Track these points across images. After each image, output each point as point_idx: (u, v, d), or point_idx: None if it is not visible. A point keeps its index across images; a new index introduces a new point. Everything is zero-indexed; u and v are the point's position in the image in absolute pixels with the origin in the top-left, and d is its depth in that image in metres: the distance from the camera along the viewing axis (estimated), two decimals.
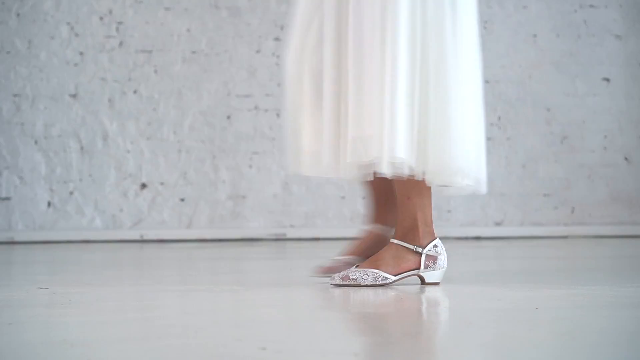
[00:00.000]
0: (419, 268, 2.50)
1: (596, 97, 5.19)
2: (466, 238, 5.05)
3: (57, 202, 5.06)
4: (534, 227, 5.13)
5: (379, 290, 2.43)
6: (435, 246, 2.52)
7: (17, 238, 4.98)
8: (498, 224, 5.16)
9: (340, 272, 2.49)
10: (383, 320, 2.01)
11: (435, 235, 2.55)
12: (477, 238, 5.06)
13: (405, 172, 2.44)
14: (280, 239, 4.95)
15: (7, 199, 5.05)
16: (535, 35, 5.18)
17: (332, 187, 5.09)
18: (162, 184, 5.08)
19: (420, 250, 2.50)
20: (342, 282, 2.46)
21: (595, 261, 3.63)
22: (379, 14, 2.40)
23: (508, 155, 5.17)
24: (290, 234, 5.01)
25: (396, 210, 2.55)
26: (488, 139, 5.17)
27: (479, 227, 5.14)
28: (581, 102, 5.19)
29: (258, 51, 5.13)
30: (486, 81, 5.17)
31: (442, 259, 2.53)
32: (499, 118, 5.18)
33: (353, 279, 2.45)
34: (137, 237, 5.03)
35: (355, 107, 2.41)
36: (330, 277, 2.50)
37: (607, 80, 5.19)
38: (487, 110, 5.20)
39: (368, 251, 2.60)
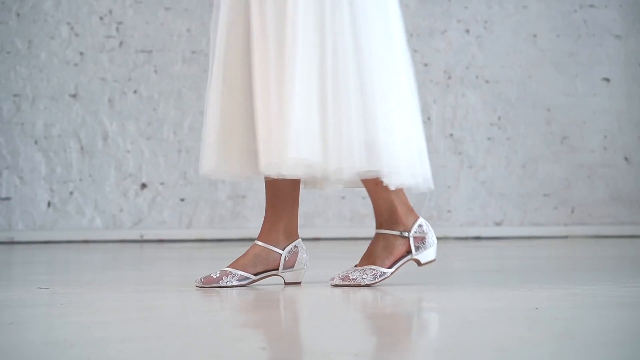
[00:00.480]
0: (410, 252, 2.50)
1: (596, 97, 5.19)
2: (466, 238, 5.05)
3: (57, 202, 5.06)
4: (534, 227, 5.13)
5: (379, 290, 2.43)
6: (420, 226, 2.52)
7: (17, 238, 4.98)
8: (498, 224, 5.16)
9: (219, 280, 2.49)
10: (383, 320, 2.01)
11: (417, 214, 2.54)
12: (477, 238, 5.06)
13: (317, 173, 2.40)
14: None
15: (7, 199, 5.05)
16: (535, 35, 5.19)
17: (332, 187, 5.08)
18: (162, 184, 5.08)
19: (406, 234, 2.50)
20: (342, 283, 2.46)
21: (595, 261, 3.63)
22: (281, 14, 2.37)
23: (508, 155, 5.17)
24: None
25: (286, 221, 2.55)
26: (488, 138, 5.17)
27: (479, 227, 5.14)
28: (581, 102, 5.19)
29: None
30: (486, 81, 5.18)
31: (430, 236, 2.53)
32: (499, 118, 5.18)
33: (353, 279, 2.46)
34: (137, 237, 5.03)
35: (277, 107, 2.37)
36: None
37: (607, 80, 5.20)
38: (488, 110, 5.23)
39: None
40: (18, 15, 5.07)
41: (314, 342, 1.73)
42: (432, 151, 5.16)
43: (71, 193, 5.07)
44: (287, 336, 1.79)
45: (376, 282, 2.46)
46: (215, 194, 5.09)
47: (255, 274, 2.53)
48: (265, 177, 2.50)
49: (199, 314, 2.05)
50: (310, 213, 5.10)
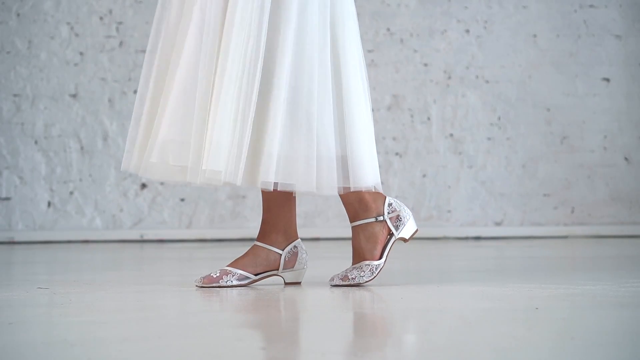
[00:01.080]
0: (392, 233, 2.51)
1: (596, 97, 5.19)
2: (466, 238, 5.05)
3: (57, 202, 5.06)
4: (534, 227, 5.13)
5: (378, 289, 2.43)
6: (389, 205, 2.52)
7: (17, 238, 4.98)
8: (498, 224, 5.16)
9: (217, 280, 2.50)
10: (383, 320, 2.01)
11: (383, 194, 2.53)
12: (477, 238, 5.06)
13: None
14: None
15: (7, 199, 5.05)
16: (535, 36, 5.19)
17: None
18: (162, 183, 5.08)
19: (381, 218, 2.50)
20: (342, 283, 2.47)
21: (595, 261, 3.63)
22: (217, 18, 2.38)
23: (508, 155, 5.17)
24: None
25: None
26: (488, 138, 5.17)
27: (479, 227, 5.14)
28: (581, 102, 5.19)
29: None
30: (486, 81, 5.18)
31: (404, 211, 2.53)
32: (499, 118, 5.18)
33: (352, 278, 2.47)
34: (137, 237, 5.03)
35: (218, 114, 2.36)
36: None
37: (607, 80, 5.20)
38: (487, 111, 5.23)
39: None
40: (18, 15, 5.07)
41: (314, 342, 1.73)
42: (432, 151, 5.16)
43: (71, 193, 5.07)
44: (287, 336, 1.79)
45: (374, 277, 2.47)
46: (215, 194, 5.09)
47: (256, 275, 2.53)
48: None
49: (199, 314, 2.05)
50: (310, 213, 5.10)
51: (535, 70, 5.18)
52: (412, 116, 5.16)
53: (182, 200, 5.10)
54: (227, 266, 2.53)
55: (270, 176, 2.36)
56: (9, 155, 5.05)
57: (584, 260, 3.70)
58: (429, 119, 5.16)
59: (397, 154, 5.15)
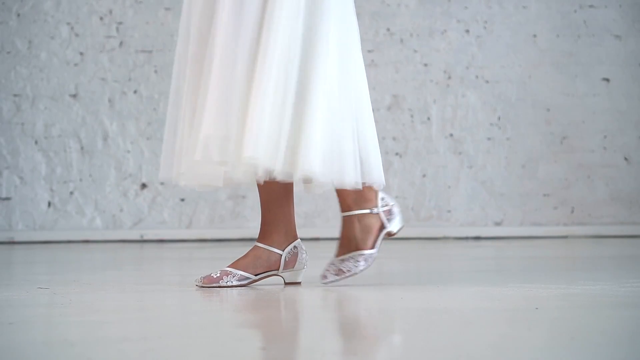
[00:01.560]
0: (384, 226, 2.50)
1: (596, 97, 5.19)
2: (466, 238, 5.05)
3: (57, 202, 5.07)
4: (534, 227, 5.13)
5: (378, 289, 2.43)
6: (382, 199, 2.51)
7: (18, 238, 4.98)
8: (498, 224, 5.16)
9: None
10: (382, 320, 2.01)
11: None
12: (477, 238, 5.06)
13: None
14: None
15: (8, 199, 5.05)
16: (535, 36, 5.19)
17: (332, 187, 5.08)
18: (162, 184, 5.08)
19: (376, 210, 2.49)
20: (337, 278, 2.47)
21: (595, 261, 3.63)
22: (256, 10, 2.36)
23: (508, 155, 5.17)
24: None
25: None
26: (488, 138, 5.17)
27: (479, 227, 5.14)
28: (581, 102, 5.19)
29: None
30: (486, 81, 5.18)
31: (394, 206, 2.52)
32: (499, 118, 5.18)
33: (347, 270, 2.46)
34: (137, 237, 5.03)
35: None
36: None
37: (607, 80, 5.20)
38: (487, 111, 5.23)
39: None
40: (18, 15, 5.07)
41: (314, 342, 1.73)
42: (432, 151, 5.16)
43: (71, 193, 5.07)
44: (287, 336, 1.79)
45: (368, 266, 2.47)
46: (215, 194, 5.09)
47: (256, 275, 2.53)
48: (258, 180, 2.48)
49: (199, 314, 2.05)
50: (310, 213, 5.10)
51: (535, 70, 5.18)
52: (412, 116, 5.16)
53: (182, 200, 5.10)
54: (228, 267, 2.53)
55: (314, 167, 2.33)
56: (9, 155, 5.05)
57: (583, 260, 3.70)
58: (429, 119, 5.16)
59: (397, 154, 5.16)
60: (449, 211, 5.16)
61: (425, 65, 5.17)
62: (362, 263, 2.46)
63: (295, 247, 2.57)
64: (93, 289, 2.55)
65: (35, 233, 5.01)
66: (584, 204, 5.17)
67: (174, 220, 5.09)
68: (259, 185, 2.53)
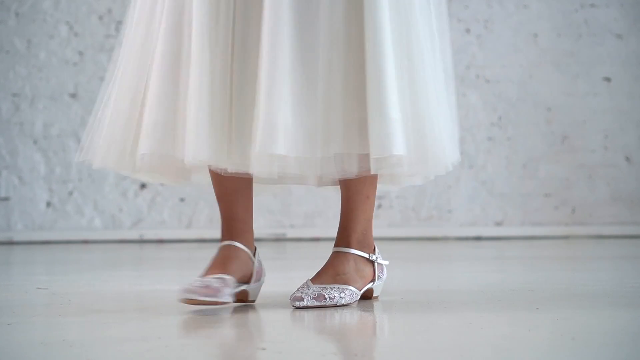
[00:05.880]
0: (374, 280, 2.21)
1: (597, 96, 5.19)
2: (466, 238, 5.05)
3: (56, 202, 5.06)
4: (535, 227, 5.13)
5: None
6: (379, 253, 2.24)
7: (17, 238, 4.97)
8: (498, 224, 5.16)
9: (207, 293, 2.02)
10: (383, 320, 2.00)
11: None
12: (477, 238, 5.05)
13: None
14: (280, 239, 4.95)
15: (7, 199, 5.05)
16: (536, 35, 5.18)
17: (332, 187, 5.08)
18: (161, 183, 5.07)
19: (373, 258, 2.21)
20: (315, 303, 2.10)
21: (595, 261, 3.62)
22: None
23: (508, 155, 5.17)
24: (290, 234, 5.00)
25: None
26: (489, 138, 5.17)
27: (479, 227, 5.14)
28: (582, 102, 5.18)
29: None
30: (487, 81, 5.17)
31: (385, 268, 2.24)
32: (500, 118, 5.18)
33: (329, 298, 2.10)
34: (136, 237, 5.02)
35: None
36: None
37: (608, 80, 5.19)
38: (488, 110, 5.22)
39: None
40: (17, 14, 5.07)
41: (314, 342, 1.73)
42: None
43: (70, 193, 5.06)
44: (287, 336, 1.78)
45: (351, 303, 2.16)
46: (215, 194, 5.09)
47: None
48: (214, 171, 2.14)
49: (199, 314, 2.05)
50: (310, 213, 5.10)
51: (536, 70, 5.18)
52: None
53: (182, 200, 5.09)
54: (221, 274, 2.10)
55: (400, 148, 1.99)
56: (8, 155, 5.05)
57: (584, 260, 3.70)
58: None
59: None
60: (449, 211, 5.15)
61: None
62: (347, 297, 2.13)
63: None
64: (92, 289, 2.54)
65: (34, 233, 5.01)
66: (585, 204, 5.16)
67: (173, 220, 5.09)
68: (221, 178, 2.18)
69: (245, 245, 2.16)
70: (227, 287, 2.04)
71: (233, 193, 2.21)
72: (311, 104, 2.01)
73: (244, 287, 2.14)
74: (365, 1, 2.02)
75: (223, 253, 2.13)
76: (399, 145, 1.99)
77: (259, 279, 2.19)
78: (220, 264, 2.10)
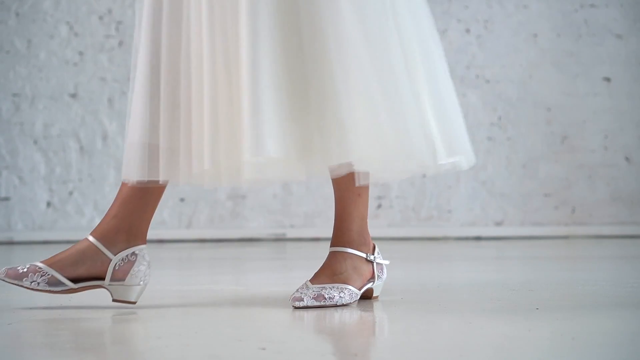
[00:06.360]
0: (373, 279, 2.19)
1: (597, 97, 5.19)
2: (466, 238, 5.05)
3: (56, 202, 5.06)
4: (534, 227, 5.13)
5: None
6: (379, 253, 2.21)
7: (17, 238, 4.97)
8: (498, 224, 5.16)
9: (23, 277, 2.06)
10: (383, 320, 2.00)
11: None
12: (477, 238, 5.05)
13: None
14: (280, 239, 4.95)
15: (7, 199, 5.05)
16: (535, 35, 5.18)
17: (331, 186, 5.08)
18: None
19: (371, 258, 2.18)
20: (315, 303, 2.09)
21: (595, 261, 3.62)
22: None
23: (508, 155, 5.17)
24: (290, 234, 5.00)
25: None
26: (489, 138, 5.17)
27: (479, 227, 5.14)
28: (582, 102, 5.18)
29: None
30: (486, 81, 5.17)
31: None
32: (499, 118, 5.17)
33: (329, 297, 2.09)
34: None
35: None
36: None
37: (608, 80, 5.19)
38: (488, 110, 5.22)
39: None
40: (17, 14, 5.07)
41: (314, 342, 1.73)
42: None
43: (70, 193, 5.06)
44: (287, 336, 1.78)
45: (351, 303, 2.14)
46: (215, 194, 5.09)
47: (74, 279, 2.09)
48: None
49: (199, 313, 2.05)
50: (310, 213, 5.10)
51: (535, 70, 5.18)
52: None
53: (182, 200, 5.09)
54: (41, 262, 2.13)
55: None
56: (8, 155, 5.05)
57: (584, 260, 3.70)
58: None
59: None
60: (449, 211, 5.15)
61: None
62: (347, 297, 2.11)
63: (133, 254, 2.08)
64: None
65: (34, 233, 5.01)
66: (584, 204, 5.16)
67: (173, 220, 5.09)
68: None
69: (99, 241, 2.09)
70: (34, 274, 2.09)
71: (122, 189, 2.12)
72: (297, 108, 1.99)
73: (92, 283, 2.09)
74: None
75: (74, 245, 2.13)
76: (353, 151, 1.97)
77: (118, 279, 2.08)
78: (55, 255, 2.13)
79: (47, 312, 2.09)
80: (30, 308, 2.15)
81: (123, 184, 2.11)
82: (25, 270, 2.09)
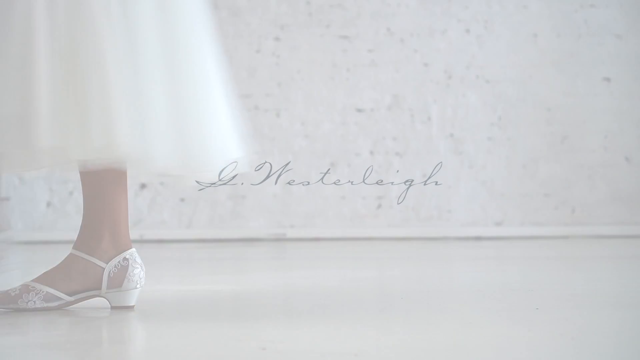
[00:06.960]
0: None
1: (597, 97, 5.19)
2: (466, 238, 5.05)
3: (56, 202, 5.06)
4: (534, 227, 5.13)
5: (378, 289, 2.42)
6: (125, 259, 2.07)
7: (17, 238, 4.97)
8: (498, 224, 5.16)
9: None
10: (383, 320, 2.00)
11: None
12: (477, 238, 5.05)
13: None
14: (280, 239, 4.95)
15: (7, 199, 5.04)
16: (535, 35, 5.18)
17: (332, 187, 5.08)
18: (161, 183, 5.07)
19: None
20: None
21: (595, 261, 3.62)
22: None
23: (508, 155, 5.17)
24: (290, 234, 5.00)
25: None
26: (489, 138, 5.17)
27: (479, 227, 5.14)
28: (582, 102, 5.18)
29: (258, 51, 5.13)
30: (486, 81, 5.17)
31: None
32: (499, 118, 5.18)
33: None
34: (136, 237, 5.02)
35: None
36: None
37: (608, 80, 5.19)
38: (488, 110, 5.22)
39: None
40: None
41: (313, 342, 1.73)
42: (432, 151, 5.16)
43: (70, 193, 5.06)
44: (287, 336, 1.78)
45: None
46: (215, 194, 5.09)
47: (70, 293, 2.07)
48: (82, 170, 2.09)
49: (199, 314, 2.05)
50: (310, 213, 5.10)
51: (535, 70, 5.18)
52: (412, 116, 5.16)
53: (182, 200, 5.09)
54: (32, 281, 2.07)
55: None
56: None
57: (584, 260, 3.70)
58: (429, 119, 5.15)
59: (397, 154, 5.15)
60: (449, 211, 5.15)
61: (426, 65, 5.17)
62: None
63: (125, 259, 2.07)
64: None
65: (34, 233, 5.00)
66: (584, 204, 5.16)
67: (173, 220, 5.09)
68: (84, 175, 2.13)
69: (87, 254, 2.09)
70: (27, 294, 2.06)
71: (85, 197, 2.17)
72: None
73: (89, 294, 2.09)
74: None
75: (61, 261, 2.10)
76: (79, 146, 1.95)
77: (116, 287, 2.08)
78: (44, 272, 2.10)
79: (47, 312, 2.09)
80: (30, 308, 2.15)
81: (84, 186, 2.11)
82: (17, 292, 2.06)
